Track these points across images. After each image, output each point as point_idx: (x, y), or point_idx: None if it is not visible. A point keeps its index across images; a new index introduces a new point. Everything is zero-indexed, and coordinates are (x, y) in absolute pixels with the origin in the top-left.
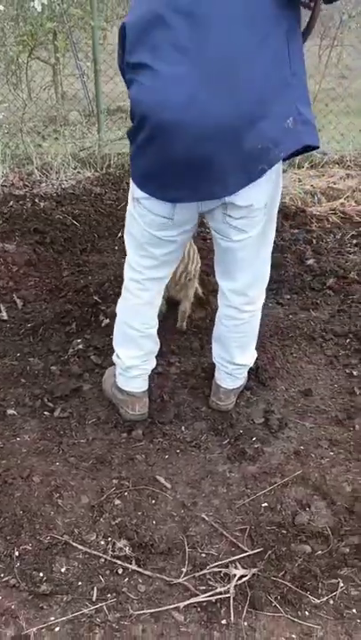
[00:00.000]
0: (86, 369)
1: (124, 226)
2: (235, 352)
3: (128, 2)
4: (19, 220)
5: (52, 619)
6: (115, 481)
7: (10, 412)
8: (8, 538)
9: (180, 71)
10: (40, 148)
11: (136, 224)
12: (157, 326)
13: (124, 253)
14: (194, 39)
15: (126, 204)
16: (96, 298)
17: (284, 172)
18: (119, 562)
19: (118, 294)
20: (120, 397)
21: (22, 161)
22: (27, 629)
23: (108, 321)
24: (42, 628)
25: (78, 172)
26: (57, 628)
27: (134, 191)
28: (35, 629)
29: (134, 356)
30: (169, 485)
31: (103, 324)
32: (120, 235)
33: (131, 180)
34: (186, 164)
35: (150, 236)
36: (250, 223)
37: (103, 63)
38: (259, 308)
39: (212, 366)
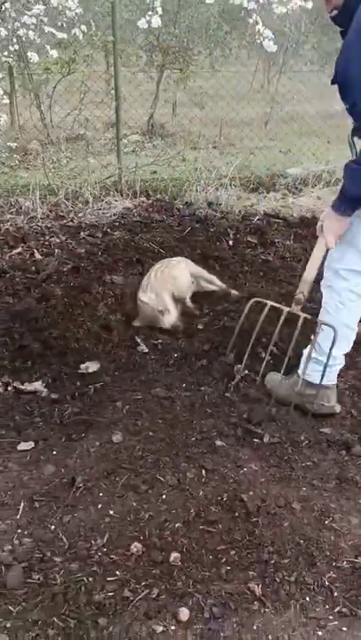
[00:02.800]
0: (263, 392)
1: (201, 252)
2: None
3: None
4: (117, 250)
5: None
6: None
7: (218, 443)
8: (308, 568)
9: None
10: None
11: None
12: None
13: None
14: None
15: (193, 229)
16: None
17: (300, 191)
18: None
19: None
20: (312, 393)
21: (42, 191)
22: None
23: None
24: None
25: (115, 200)
26: None
27: None
28: None
29: (345, 351)
30: None
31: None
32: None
33: None
34: None
35: None
36: None
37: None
38: None
39: None
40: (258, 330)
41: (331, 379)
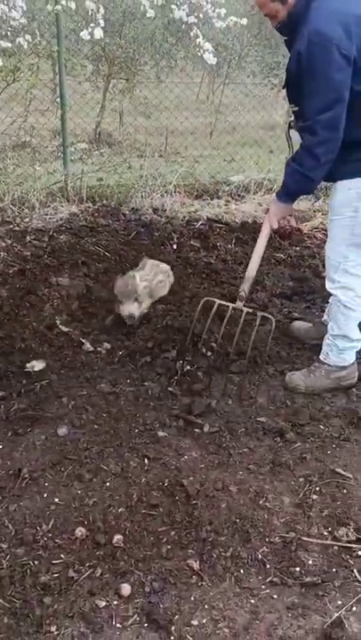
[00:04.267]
0: (204, 386)
1: (146, 255)
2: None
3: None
4: (63, 253)
5: (340, 603)
6: (301, 479)
7: (160, 434)
8: (243, 544)
9: None
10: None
11: None
12: None
13: None
14: None
15: (138, 234)
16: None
17: (242, 197)
18: (354, 545)
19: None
20: (343, 374)
21: None
22: (331, 615)
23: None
24: (348, 612)
25: (61, 205)
26: (354, 608)
27: None
28: (336, 614)
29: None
30: (350, 475)
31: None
32: None
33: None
34: None
35: None
36: None
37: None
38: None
39: None
40: (207, 326)
41: (353, 356)
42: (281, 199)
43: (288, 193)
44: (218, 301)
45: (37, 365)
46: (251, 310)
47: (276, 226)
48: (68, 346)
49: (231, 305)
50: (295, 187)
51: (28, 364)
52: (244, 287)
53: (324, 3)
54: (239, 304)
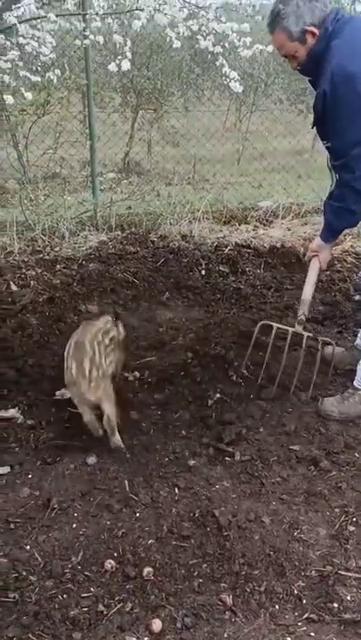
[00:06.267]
0: (237, 416)
1: (174, 282)
2: None
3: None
4: (92, 281)
5: None
6: (337, 510)
7: (191, 462)
8: (277, 578)
9: None
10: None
11: None
12: None
13: (189, 307)
14: None
15: (166, 260)
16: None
17: (271, 223)
18: None
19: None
20: None
21: (19, 227)
22: None
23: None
24: None
25: (91, 234)
26: None
27: None
28: None
29: None
30: None
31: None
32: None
33: None
34: None
35: None
36: None
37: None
38: None
39: None
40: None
41: None
42: (328, 241)
43: (333, 231)
44: (276, 325)
45: (67, 393)
46: (311, 334)
47: (325, 266)
48: None
49: (291, 329)
50: (339, 223)
51: (57, 392)
52: (304, 310)
53: (344, 39)
54: (298, 328)
